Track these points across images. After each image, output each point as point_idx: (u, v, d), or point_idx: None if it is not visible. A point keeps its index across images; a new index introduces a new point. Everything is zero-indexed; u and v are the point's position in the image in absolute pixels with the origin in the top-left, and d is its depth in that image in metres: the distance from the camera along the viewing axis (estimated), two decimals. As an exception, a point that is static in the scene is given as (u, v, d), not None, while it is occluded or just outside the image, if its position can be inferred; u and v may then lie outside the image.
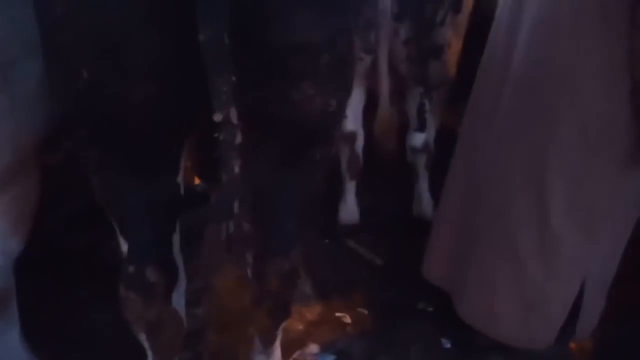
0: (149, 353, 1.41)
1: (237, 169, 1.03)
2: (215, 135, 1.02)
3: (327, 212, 2.36)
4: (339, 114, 1.28)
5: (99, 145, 1.12)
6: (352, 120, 2.19)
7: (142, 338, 1.38)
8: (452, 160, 1.88)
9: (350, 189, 2.35)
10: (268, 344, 1.53)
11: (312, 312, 1.94)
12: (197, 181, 2.20)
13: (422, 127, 2.25)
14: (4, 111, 1.27)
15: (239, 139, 1.04)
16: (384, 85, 2.02)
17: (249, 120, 1.08)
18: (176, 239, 1.33)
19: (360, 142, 2.26)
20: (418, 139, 2.27)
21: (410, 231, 2.29)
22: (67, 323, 1.84)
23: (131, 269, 1.27)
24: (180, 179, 1.24)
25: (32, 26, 1.10)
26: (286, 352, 1.66)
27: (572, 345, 1.85)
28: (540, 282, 1.66)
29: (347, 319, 1.95)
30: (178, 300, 1.36)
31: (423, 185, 2.35)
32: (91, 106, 1.07)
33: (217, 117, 1.01)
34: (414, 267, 2.02)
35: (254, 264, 1.31)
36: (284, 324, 1.49)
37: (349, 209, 2.40)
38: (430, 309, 1.99)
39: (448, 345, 1.87)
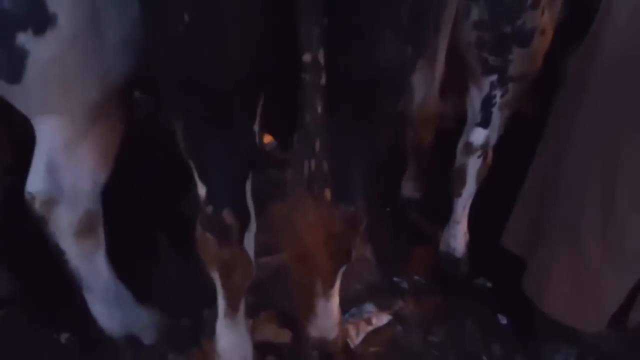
0: (220, 292, 1.48)
1: (320, 110, 1.05)
2: (303, 75, 1.04)
3: (391, 184, 2.35)
4: (412, 64, 1.28)
5: (187, 90, 1.16)
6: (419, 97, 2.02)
7: (215, 277, 1.44)
8: (539, 145, 1.80)
9: (412, 166, 2.30)
10: (327, 288, 1.56)
11: (371, 274, 1.95)
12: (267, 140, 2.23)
13: (485, 123, 1.95)
14: (96, 51, 1.32)
15: (323, 80, 1.05)
16: (438, 72, 1.80)
17: (331, 63, 1.09)
18: (249, 186, 1.37)
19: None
20: (479, 135, 1.97)
21: (471, 209, 2.24)
22: (144, 259, 1.93)
23: (209, 209, 1.32)
24: (256, 127, 1.28)
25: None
26: (344, 307, 1.68)
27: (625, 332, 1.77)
28: (597, 267, 1.61)
29: (405, 285, 1.95)
30: (248, 244, 1.41)
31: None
32: (187, 51, 1.10)
33: (307, 58, 1.02)
34: (475, 244, 1.98)
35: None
36: (343, 269, 1.52)
37: (412, 184, 2.39)
38: (489, 284, 1.96)
39: (504, 322, 1.84)
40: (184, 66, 1.14)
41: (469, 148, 1.99)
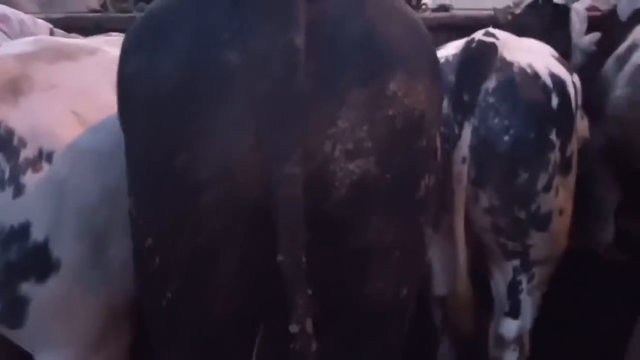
0: None
1: None
2: (291, 346, 0.98)
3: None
4: (410, 298, 1.20)
5: (178, 347, 1.13)
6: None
7: None
8: None
9: (445, 342, 2.04)
10: None
11: None
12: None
13: (514, 312, 1.76)
14: (100, 282, 1.33)
15: (314, 346, 0.99)
16: (461, 257, 1.66)
17: (322, 310, 1.04)
18: None
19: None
20: (509, 327, 1.76)
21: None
22: None
23: None
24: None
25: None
26: None
27: None
28: None
29: None
30: None
31: None
32: (173, 321, 1.09)
33: (294, 329, 0.97)
34: None
35: None
36: None
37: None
38: None
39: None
40: (173, 330, 1.13)
41: (501, 342, 1.78)
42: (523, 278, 1.76)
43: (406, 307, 1.21)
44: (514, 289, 1.77)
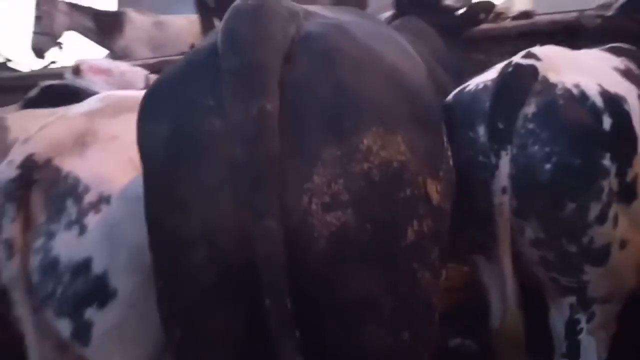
0: None
1: None
2: None
3: None
4: (416, 342, 1.18)
5: None
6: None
7: None
8: None
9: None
10: None
11: None
12: None
13: (572, 354, 1.58)
14: (150, 314, 1.38)
15: None
16: (509, 289, 1.54)
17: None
18: None
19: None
20: None
21: None
22: None
23: None
24: None
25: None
26: None
27: None
28: None
29: None
30: None
31: None
32: None
33: None
34: None
35: None
36: None
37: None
38: None
39: None
40: None
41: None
42: (582, 317, 1.59)
43: (414, 350, 1.18)
44: (571, 328, 1.60)
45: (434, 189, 1.18)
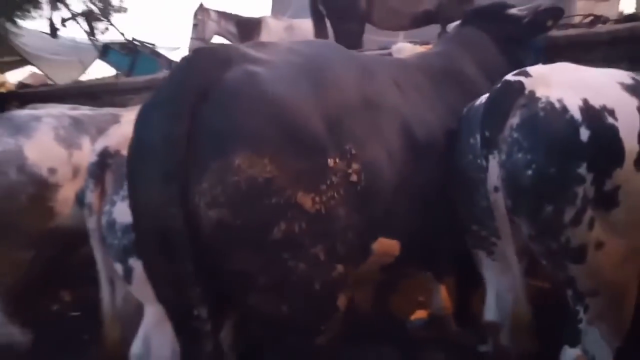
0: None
1: None
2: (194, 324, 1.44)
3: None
4: (294, 314, 1.51)
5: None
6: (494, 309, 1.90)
7: None
8: None
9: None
10: None
11: None
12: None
13: (573, 340, 1.73)
14: None
15: (208, 327, 1.46)
16: (518, 280, 1.71)
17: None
18: None
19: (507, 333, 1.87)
20: (566, 354, 1.74)
21: None
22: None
23: None
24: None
25: None
26: None
27: None
28: None
29: None
30: None
31: None
32: None
33: (195, 312, 1.45)
34: None
35: None
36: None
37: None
38: None
39: None
40: None
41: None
42: (580, 308, 1.74)
43: (295, 322, 1.52)
44: (573, 317, 1.76)
45: (308, 199, 1.43)
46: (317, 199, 1.46)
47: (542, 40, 2.63)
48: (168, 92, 1.47)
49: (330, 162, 1.49)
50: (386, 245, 1.77)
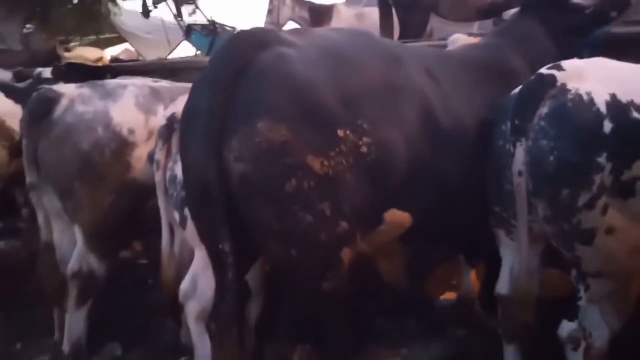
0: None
1: None
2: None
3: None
4: (305, 259, 1.75)
5: None
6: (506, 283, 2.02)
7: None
8: None
9: (510, 351, 2.09)
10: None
11: None
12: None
13: (571, 315, 1.86)
14: None
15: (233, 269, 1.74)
16: (523, 258, 1.85)
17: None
18: None
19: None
20: (563, 327, 1.88)
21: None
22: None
23: None
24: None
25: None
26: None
27: None
28: None
29: None
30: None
31: None
32: None
33: (224, 250, 1.73)
34: None
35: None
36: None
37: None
38: None
39: None
40: None
41: (560, 341, 1.90)
42: (581, 287, 1.84)
43: (302, 266, 1.74)
44: (575, 294, 1.87)
45: (317, 162, 1.65)
46: (325, 163, 1.68)
47: (602, 35, 2.60)
48: (212, 70, 1.77)
49: (341, 133, 1.70)
50: (397, 217, 1.93)
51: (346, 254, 1.78)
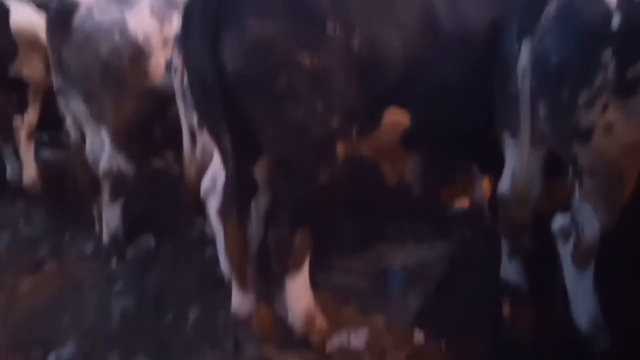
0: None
1: None
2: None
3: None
4: (300, 150, 1.84)
5: None
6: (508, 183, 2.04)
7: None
8: None
9: (504, 245, 2.17)
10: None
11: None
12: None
13: (565, 208, 1.90)
14: None
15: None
16: (525, 154, 1.87)
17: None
18: None
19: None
20: (556, 220, 1.95)
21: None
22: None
23: None
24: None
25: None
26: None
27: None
28: None
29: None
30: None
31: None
32: None
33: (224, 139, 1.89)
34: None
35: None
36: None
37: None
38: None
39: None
40: None
41: (553, 234, 1.97)
42: (576, 183, 1.86)
43: (296, 160, 1.83)
44: (571, 189, 1.90)
45: (304, 59, 1.69)
46: (315, 59, 1.71)
47: None
48: None
49: (329, 30, 1.72)
50: (396, 114, 1.96)
51: (340, 148, 1.86)
